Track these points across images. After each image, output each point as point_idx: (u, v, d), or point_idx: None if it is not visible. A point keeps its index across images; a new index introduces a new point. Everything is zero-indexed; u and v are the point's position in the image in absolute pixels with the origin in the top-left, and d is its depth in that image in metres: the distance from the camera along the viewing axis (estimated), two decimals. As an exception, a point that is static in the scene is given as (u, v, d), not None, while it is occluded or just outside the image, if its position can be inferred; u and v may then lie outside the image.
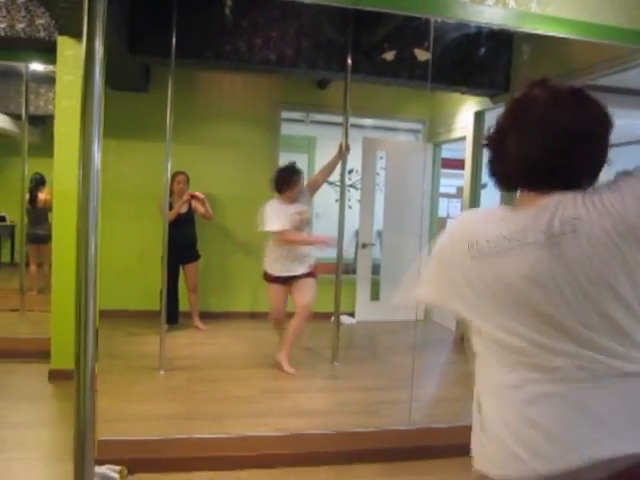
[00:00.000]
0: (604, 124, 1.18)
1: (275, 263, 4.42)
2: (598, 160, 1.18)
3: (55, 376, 4.03)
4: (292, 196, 4.36)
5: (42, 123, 5.69)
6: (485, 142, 1.27)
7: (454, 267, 1.24)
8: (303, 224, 4.40)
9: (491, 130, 1.26)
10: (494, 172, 1.28)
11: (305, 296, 4.39)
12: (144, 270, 5.76)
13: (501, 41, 5.01)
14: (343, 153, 4.65)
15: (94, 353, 1.83)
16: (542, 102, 1.19)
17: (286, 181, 4.37)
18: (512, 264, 1.14)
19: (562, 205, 1.12)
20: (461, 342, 5.79)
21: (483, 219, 1.26)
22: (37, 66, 5.02)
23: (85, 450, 1.76)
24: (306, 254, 4.42)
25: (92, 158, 1.78)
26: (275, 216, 4.28)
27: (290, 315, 4.50)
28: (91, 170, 1.78)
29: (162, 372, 4.20)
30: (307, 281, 4.41)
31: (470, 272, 1.20)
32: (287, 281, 4.42)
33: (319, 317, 5.17)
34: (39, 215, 5.78)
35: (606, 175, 1.18)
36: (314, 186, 4.69)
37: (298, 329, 4.45)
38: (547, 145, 1.16)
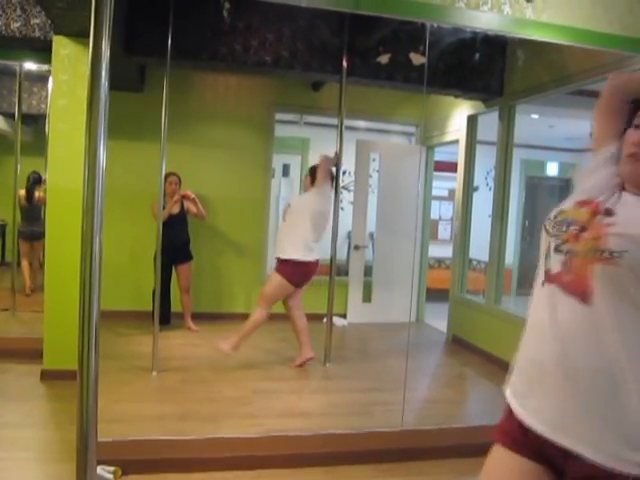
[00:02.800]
0: None
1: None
2: None
3: (47, 376, 4.02)
4: (316, 187, 4.66)
5: (34, 122, 5.67)
6: None
7: None
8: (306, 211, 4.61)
9: None
10: None
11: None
12: (136, 270, 5.77)
13: (495, 46, 5.05)
14: (330, 160, 4.71)
15: (97, 354, 1.83)
16: None
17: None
18: None
19: None
20: (452, 344, 5.82)
21: None
22: (30, 65, 5.00)
23: (88, 451, 1.77)
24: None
25: (98, 159, 1.78)
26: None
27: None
28: (97, 171, 1.78)
29: (155, 373, 4.19)
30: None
31: None
32: None
33: (311, 318, 5.18)
34: (35, 212, 5.76)
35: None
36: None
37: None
38: None
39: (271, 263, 6.97)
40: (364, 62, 4.71)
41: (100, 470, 2.52)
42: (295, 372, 4.51)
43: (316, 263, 4.58)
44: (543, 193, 9.38)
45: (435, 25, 3.68)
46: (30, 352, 4.23)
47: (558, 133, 7.56)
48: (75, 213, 3.55)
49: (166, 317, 5.25)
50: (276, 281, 4.54)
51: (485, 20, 3.15)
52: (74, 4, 3.21)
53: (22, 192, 5.71)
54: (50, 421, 3.54)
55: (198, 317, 5.67)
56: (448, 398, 4.26)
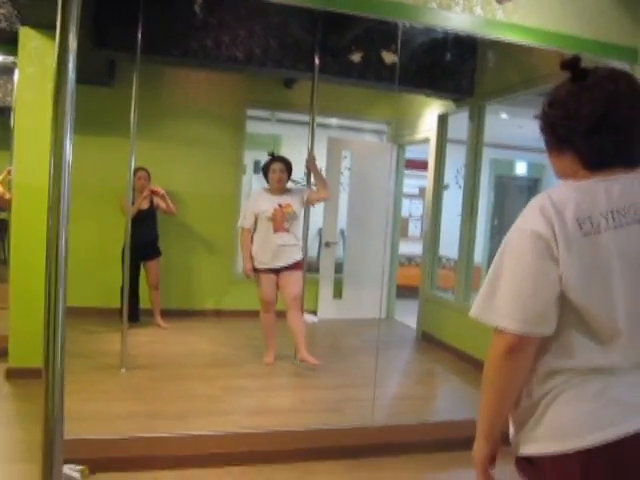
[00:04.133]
0: None
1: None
2: None
3: (13, 375, 3.93)
4: (273, 185, 4.51)
5: (0, 115, 5.54)
6: (569, 127, 1.25)
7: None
8: (284, 217, 4.45)
9: (576, 116, 1.25)
10: (586, 152, 1.24)
11: (293, 288, 4.52)
12: (104, 267, 5.68)
13: (467, 47, 5.11)
14: (308, 161, 4.70)
15: (64, 350, 1.80)
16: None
17: (265, 170, 4.60)
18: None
19: None
20: (422, 340, 5.88)
21: (582, 194, 1.21)
22: (-4, 57, 4.88)
23: (54, 449, 1.74)
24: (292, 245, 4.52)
25: (64, 153, 1.76)
26: (247, 210, 4.55)
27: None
28: (63, 165, 1.75)
29: (124, 370, 4.14)
30: (294, 274, 4.52)
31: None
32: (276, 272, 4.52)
33: (282, 315, 5.18)
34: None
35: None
36: (313, 200, 4.73)
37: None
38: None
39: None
40: (336, 60, 4.72)
41: (67, 469, 2.48)
42: (266, 369, 4.51)
43: None
44: (512, 192, 9.52)
45: (407, 24, 3.70)
46: (-6, 350, 4.15)
47: (527, 133, 7.64)
48: (42, 208, 3.49)
49: (135, 314, 5.19)
50: (301, 280, 4.59)
51: (457, 21, 3.19)
52: (42, -5, 3.15)
53: None
54: (15, 420, 3.48)
55: (167, 314, 5.62)
56: (418, 394, 4.31)
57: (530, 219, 1.18)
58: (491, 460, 1.32)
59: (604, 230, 1.15)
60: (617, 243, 1.15)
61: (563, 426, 1.17)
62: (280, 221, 4.43)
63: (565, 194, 1.20)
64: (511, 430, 1.30)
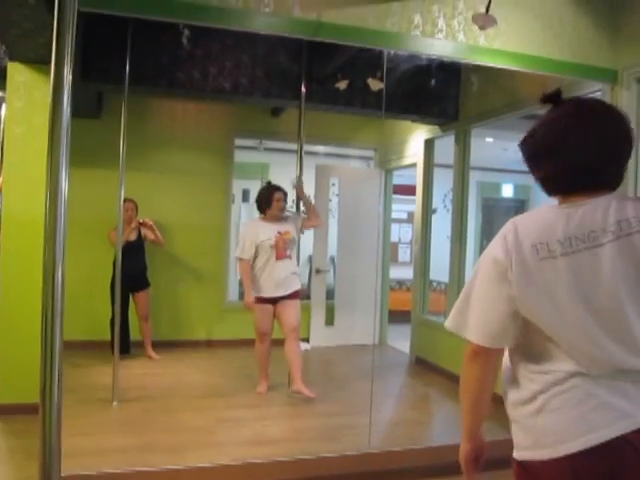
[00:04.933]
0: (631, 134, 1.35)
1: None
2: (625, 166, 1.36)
3: (2, 411, 3.85)
4: (273, 214, 4.49)
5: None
6: (536, 155, 1.39)
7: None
8: (286, 244, 4.46)
9: (539, 144, 1.38)
10: (557, 173, 1.35)
11: (293, 318, 4.47)
12: (92, 299, 5.64)
13: (450, 72, 5.19)
14: (297, 187, 4.72)
15: (61, 385, 1.77)
16: (598, 115, 1.34)
17: (265, 199, 4.52)
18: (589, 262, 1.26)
19: (619, 205, 1.28)
20: (416, 365, 5.86)
21: (541, 222, 1.34)
22: (-17, 91, 4.90)
23: (52, 485, 1.71)
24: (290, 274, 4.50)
25: (60, 186, 1.76)
26: (244, 241, 4.47)
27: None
28: (59, 198, 1.75)
29: (116, 404, 4.09)
30: (293, 303, 4.49)
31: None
32: (273, 302, 4.47)
33: (274, 343, 5.14)
34: None
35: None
36: (306, 227, 4.75)
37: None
38: (603, 150, 1.31)
39: (233, 289, 6.96)
40: (323, 88, 4.78)
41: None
42: (259, 399, 4.46)
43: None
44: (499, 214, 9.59)
45: (392, 52, 3.77)
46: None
47: (512, 156, 7.70)
48: (31, 241, 3.50)
49: (125, 346, 5.14)
50: (300, 309, 4.57)
51: (440, 47, 3.25)
52: (30, 31, 3.17)
53: None
54: (7, 457, 3.40)
55: (158, 345, 5.57)
56: (414, 419, 4.27)
57: (493, 246, 1.35)
58: (475, 460, 1.48)
59: (560, 255, 1.26)
60: (572, 266, 1.25)
61: (553, 433, 1.24)
62: (282, 248, 4.42)
63: (530, 221, 1.35)
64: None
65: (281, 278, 4.42)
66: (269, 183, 4.67)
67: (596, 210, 1.28)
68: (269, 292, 4.42)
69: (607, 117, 1.34)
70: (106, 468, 2.83)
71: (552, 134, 1.35)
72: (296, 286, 4.51)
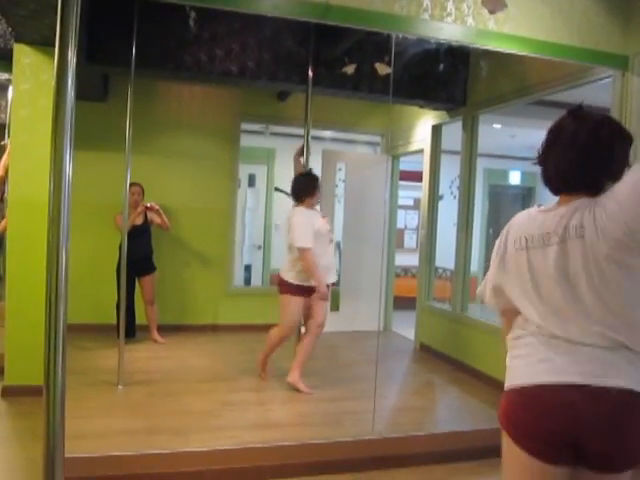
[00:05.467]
0: (616, 140, 1.59)
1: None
2: (613, 168, 1.58)
3: (9, 393, 3.90)
4: (314, 203, 4.34)
5: (-6, 132, 5.53)
6: (536, 161, 1.69)
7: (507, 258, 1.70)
8: (330, 232, 4.36)
9: (539, 151, 1.68)
10: (545, 181, 1.68)
11: (323, 314, 4.32)
12: (98, 283, 5.66)
13: (459, 57, 5.14)
14: (297, 160, 4.66)
15: (65, 367, 1.78)
16: (569, 130, 1.60)
17: (310, 187, 4.32)
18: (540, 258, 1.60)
19: (578, 212, 1.54)
20: (420, 351, 5.86)
21: (525, 220, 1.69)
22: (-11, 74, 4.89)
23: (55, 468, 1.71)
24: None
25: (64, 169, 1.75)
26: (307, 229, 4.16)
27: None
28: (63, 181, 1.74)
29: (121, 387, 4.11)
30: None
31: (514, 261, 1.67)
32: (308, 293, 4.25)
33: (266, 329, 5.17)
34: None
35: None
36: None
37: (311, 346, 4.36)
38: (572, 161, 1.59)
39: (239, 274, 6.97)
40: (330, 72, 4.74)
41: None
42: (264, 383, 4.48)
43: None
44: (506, 201, 9.55)
45: (400, 36, 3.73)
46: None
47: (520, 142, 7.71)
48: (37, 225, 3.50)
49: (131, 330, 5.16)
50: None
51: (449, 31, 3.21)
52: (36, 12, 3.15)
53: None
54: (13, 439, 3.44)
55: (163, 329, 5.59)
56: (418, 405, 4.28)
57: (499, 236, 1.75)
58: None
59: (527, 248, 1.62)
60: (531, 258, 1.61)
61: (511, 372, 1.66)
62: (330, 234, 4.36)
63: (520, 218, 1.71)
64: None
65: (333, 263, 4.39)
66: (311, 171, 4.50)
67: (560, 215, 1.57)
68: (331, 278, 4.31)
69: (581, 130, 1.57)
70: (111, 450, 2.85)
71: (541, 147, 1.66)
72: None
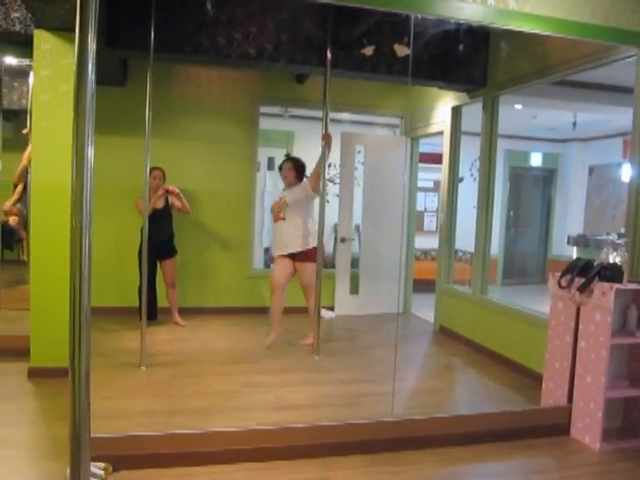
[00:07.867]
0: None
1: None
2: None
3: (34, 374, 3.98)
4: (285, 181, 5.07)
5: (16, 118, 5.59)
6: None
7: None
8: (280, 208, 4.92)
9: None
10: None
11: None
12: (120, 266, 5.74)
13: (479, 37, 5.07)
14: (324, 146, 4.68)
15: (89, 349, 1.81)
16: None
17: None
18: None
19: None
20: (439, 334, 5.87)
21: None
22: (11, 60, 4.93)
23: (81, 448, 1.76)
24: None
25: (86, 154, 1.77)
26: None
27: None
28: (85, 166, 1.76)
29: (143, 368, 4.19)
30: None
31: None
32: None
33: (299, 311, 5.20)
34: None
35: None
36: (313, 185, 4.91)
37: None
38: None
39: (259, 256, 7.00)
40: (348, 54, 4.70)
41: (91, 466, 2.51)
42: (284, 365, 4.52)
43: None
44: (527, 183, 9.45)
45: (419, 16, 3.68)
46: (16, 350, 4.20)
47: (541, 123, 7.61)
48: (60, 208, 3.56)
49: (153, 313, 5.24)
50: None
51: (469, 11, 3.17)
52: (55, -2, 3.17)
53: None
54: (39, 419, 3.52)
55: (185, 312, 5.66)
56: (437, 388, 4.30)
57: None
58: None
59: None
60: None
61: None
62: (277, 212, 5.02)
63: None
64: None
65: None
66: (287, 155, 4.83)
67: None
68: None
69: None
70: (134, 431, 2.91)
71: None
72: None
